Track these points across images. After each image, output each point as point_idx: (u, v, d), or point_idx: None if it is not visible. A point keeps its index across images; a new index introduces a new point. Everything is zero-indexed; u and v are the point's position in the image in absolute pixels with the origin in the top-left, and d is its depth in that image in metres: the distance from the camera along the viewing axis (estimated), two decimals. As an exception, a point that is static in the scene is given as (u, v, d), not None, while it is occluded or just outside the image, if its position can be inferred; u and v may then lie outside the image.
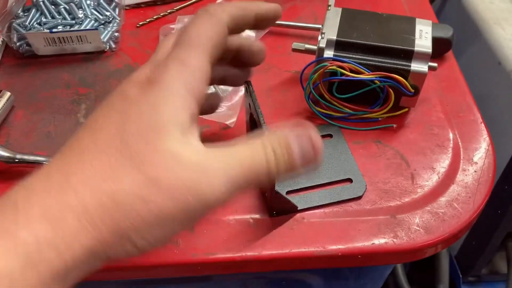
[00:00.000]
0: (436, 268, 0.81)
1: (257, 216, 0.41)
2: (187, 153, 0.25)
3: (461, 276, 0.84)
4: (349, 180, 0.43)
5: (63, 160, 0.26)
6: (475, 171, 0.44)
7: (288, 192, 0.42)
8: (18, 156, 0.41)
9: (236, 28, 0.31)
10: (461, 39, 0.55)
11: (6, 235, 0.23)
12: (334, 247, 0.39)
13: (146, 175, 0.24)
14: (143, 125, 0.25)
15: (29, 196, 0.24)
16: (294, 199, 0.41)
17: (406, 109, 0.47)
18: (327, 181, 0.42)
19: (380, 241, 0.39)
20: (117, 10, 0.57)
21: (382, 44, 0.44)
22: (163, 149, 0.25)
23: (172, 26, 0.55)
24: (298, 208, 0.41)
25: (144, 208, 0.24)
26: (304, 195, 0.42)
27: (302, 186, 0.42)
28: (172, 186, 0.24)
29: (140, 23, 0.58)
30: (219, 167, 0.26)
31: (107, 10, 0.56)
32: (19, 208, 0.24)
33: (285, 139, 0.28)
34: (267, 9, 0.33)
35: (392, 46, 0.44)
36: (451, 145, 0.46)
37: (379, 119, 0.47)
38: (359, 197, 0.42)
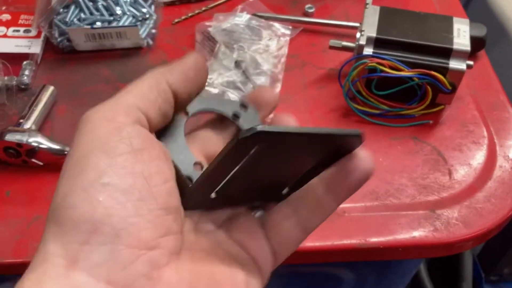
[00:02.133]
0: (459, 267, 0.82)
1: (298, 209, 0.42)
2: None
3: (483, 275, 0.84)
4: None
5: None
6: (511, 168, 0.45)
7: None
8: (67, 149, 0.42)
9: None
10: (488, 38, 0.55)
11: None
12: (375, 239, 0.40)
13: None
14: None
15: None
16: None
17: (442, 106, 0.48)
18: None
19: (420, 234, 0.40)
20: (153, 7, 0.58)
21: (421, 42, 0.45)
22: None
23: (207, 23, 0.56)
24: None
25: None
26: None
27: None
28: None
29: (176, 20, 0.59)
30: None
31: (144, 7, 0.57)
32: None
33: None
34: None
35: (431, 44, 0.45)
36: (486, 142, 0.47)
37: (415, 115, 0.48)
38: None
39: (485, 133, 0.48)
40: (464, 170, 0.45)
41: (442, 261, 0.85)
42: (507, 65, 0.74)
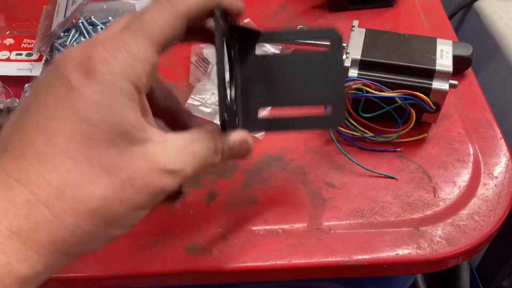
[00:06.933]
0: (456, 280, 0.82)
1: (285, 226, 0.43)
2: (151, 150, 0.27)
3: (481, 288, 0.84)
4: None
5: (19, 166, 0.25)
6: (495, 185, 0.46)
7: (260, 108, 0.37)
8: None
9: (197, 17, 0.30)
10: (481, 55, 0.56)
11: None
12: (360, 257, 0.41)
13: (120, 179, 0.26)
14: (108, 132, 0.26)
15: None
16: (264, 120, 0.37)
17: (425, 135, 0.49)
18: (305, 103, 0.36)
19: (404, 251, 0.41)
20: (150, 30, 0.60)
21: (405, 64, 0.46)
22: (132, 152, 0.27)
23: (202, 45, 0.58)
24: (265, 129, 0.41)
25: (121, 207, 0.26)
26: (275, 118, 0.36)
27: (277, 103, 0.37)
28: (145, 183, 0.27)
29: (172, 42, 0.61)
30: (180, 160, 0.29)
31: (141, 30, 0.59)
32: None
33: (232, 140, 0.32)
34: (230, 2, 0.31)
35: (414, 65, 0.46)
36: (472, 159, 0.48)
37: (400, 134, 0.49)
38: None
39: (471, 151, 0.49)
40: (449, 188, 0.46)
41: (439, 273, 0.85)
42: (500, 83, 0.75)
